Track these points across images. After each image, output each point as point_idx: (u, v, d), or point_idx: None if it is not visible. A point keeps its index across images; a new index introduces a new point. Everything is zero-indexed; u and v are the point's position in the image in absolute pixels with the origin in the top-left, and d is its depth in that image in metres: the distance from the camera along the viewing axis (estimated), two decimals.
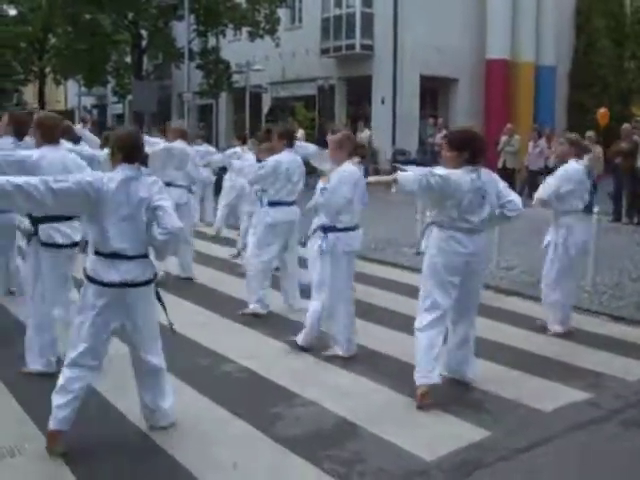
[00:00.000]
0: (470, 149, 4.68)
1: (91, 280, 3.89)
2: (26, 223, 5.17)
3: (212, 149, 11.49)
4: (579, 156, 6.37)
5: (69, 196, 3.74)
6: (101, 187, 3.79)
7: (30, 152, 4.98)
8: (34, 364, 5.05)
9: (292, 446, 4.04)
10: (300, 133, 19.12)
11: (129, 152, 3.97)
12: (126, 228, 3.84)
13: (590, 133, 15.24)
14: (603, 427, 4.43)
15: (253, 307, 6.82)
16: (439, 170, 4.64)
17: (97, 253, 3.89)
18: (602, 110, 18.40)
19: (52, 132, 5.06)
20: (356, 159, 5.66)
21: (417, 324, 4.78)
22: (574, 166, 6.27)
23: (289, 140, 6.80)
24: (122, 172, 3.91)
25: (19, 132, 5.92)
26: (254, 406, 4.62)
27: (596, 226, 7.64)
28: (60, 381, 3.92)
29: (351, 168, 5.52)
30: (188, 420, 4.35)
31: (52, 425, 3.87)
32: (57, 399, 3.88)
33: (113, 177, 3.88)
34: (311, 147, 7.98)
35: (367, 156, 5.85)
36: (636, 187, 13.22)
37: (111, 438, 4.09)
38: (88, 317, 3.90)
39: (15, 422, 4.32)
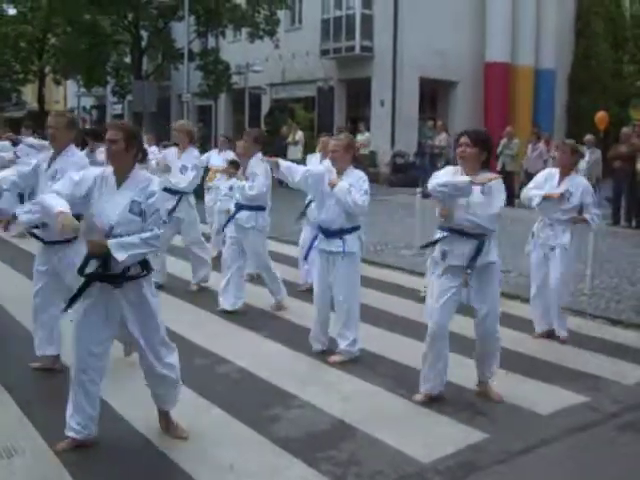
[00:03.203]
0: (488, 150, 4.66)
1: None
2: None
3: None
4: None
5: None
6: None
7: None
8: None
9: (289, 447, 4.04)
10: (299, 135, 19.14)
11: None
12: None
13: (589, 136, 15.27)
14: (600, 430, 4.44)
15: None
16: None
17: None
18: (600, 114, 18.34)
19: None
20: None
21: None
22: None
23: (264, 145, 6.82)
24: None
25: None
26: (251, 407, 4.62)
27: (595, 230, 7.62)
28: None
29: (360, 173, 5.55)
30: (185, 421, 4.34)
31: None
32: None
33: None
34: None
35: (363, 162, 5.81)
36: (635, 191, 13.22)
37: (108, 439, 4.07)
38: None
39: (12, 422, 4.32)
